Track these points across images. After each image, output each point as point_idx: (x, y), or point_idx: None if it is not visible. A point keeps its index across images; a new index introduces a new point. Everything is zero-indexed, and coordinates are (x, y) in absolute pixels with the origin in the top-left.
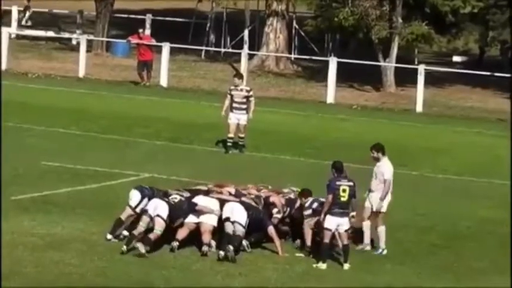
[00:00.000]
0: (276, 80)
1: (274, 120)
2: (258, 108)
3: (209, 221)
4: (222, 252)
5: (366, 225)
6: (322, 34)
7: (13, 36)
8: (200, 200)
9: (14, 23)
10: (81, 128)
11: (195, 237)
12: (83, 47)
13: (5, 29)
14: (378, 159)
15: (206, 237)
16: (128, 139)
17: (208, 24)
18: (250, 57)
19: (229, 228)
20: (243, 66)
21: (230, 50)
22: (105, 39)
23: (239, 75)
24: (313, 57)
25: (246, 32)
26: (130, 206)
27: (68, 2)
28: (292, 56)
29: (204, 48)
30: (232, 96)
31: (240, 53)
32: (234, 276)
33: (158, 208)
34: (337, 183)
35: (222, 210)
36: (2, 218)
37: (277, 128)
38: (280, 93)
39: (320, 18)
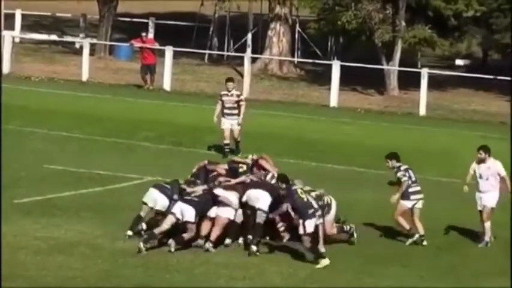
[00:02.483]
0: (279, 84)
1: (277, 123)
2: (261, 111)
3: (225, 214)
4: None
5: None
6: (325, 37)
7: (17, 40)
8: (221, 192)
9: (18, 27)
10: (84, 131)
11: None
12: (86, 51)
13: (8, 33)
14: (484, 160)
15: (215, 233)
16: (131, 142)
17: (211, 28)
18: (254, 60)
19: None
20: (246, 69)
21: (233, 53)
22: (108, 42)
23: (231, 80)
24: (316, 61)
25: (249, 36)
26: (150, 208)
27: (71, 6)
28: (295, 59)
29: (207, 51)
30: (223, 102)
31: (243, 57)
32: (238, 279)
33: (185, 214)
34: (293, 188)
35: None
36: (3, 221)
37: (280, 131)
38: (284, 97)
39: (323, 22)
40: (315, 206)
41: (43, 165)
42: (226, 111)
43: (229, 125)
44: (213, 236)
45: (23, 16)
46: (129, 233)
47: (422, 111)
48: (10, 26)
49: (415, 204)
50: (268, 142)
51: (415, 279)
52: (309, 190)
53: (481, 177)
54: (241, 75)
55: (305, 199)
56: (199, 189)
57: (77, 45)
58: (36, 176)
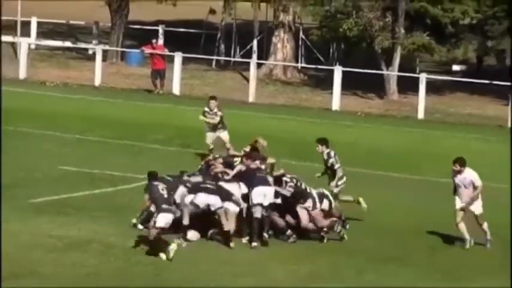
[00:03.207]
0: (283, 88)
1: (281, 126)
2: (267, 115)
3: (233, 208)
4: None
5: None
6: (327, 44)
7: (32, 46)
8: (228, 186)
9: (33, 34)
10: (97, 134)
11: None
12: (98, 57)
13: (24, 40)
14: (460, 172)
15: (231, 226)
16: (141, 145)
17: (218, 35)
18: (259, 66)
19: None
20: (252, 74)
21: (239, 59)
22: (120, 49)
23: (214, 98)
24: (319, 66)
25: (254, 42)
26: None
27: (85, 14)
28: (299, 65)
29: (214, 57)
30: (207, 122)
31: (249, 62)
32: (242, 276)
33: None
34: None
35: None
36: (19, 219)
37: (284, 133)
38: (288, 101)
39: (325, 29)
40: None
41: (58, 167)
42: (210, 126)
43: (215, 136)
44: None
45: (39, 24)
46: (134, 220)
47: (421, 114)
48: (26, 33)
49: (342, 188)
50: (273, 144)
51: (414, 277)
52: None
53: (459, 186)
54: (247, 80)
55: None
56: (198, 178)
57: (90, 52)
58: (51, 176)
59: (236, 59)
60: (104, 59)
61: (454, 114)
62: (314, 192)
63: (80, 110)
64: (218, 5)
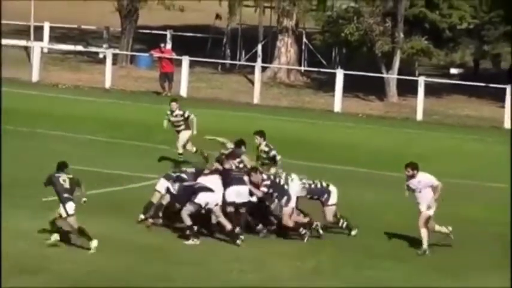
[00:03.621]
0: (287, 91)
1: (285, 127)
2: (271, 117)
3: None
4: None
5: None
6: (329, 48)
7: (45, 50)
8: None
9: (46, 38)
10: (107, 135)
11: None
12: (109, 60)
13: (37, 44)
14: (413, 176)
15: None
16: (149, 145)
17: (224, 39)
18: (263, 69)
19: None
20: (257, 77)
21: (245, 62)
22: (129, 52)
23: (174, 100)
24: (322, 70)
25: (259, 46)
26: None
27: (96, 19)
28: (302, 68)
29: (220, 61)
30: (170, 121)
31: (253, 66)
32: (248, 272)
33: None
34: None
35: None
36: (33, 218)
37: (288, 134)
38: (291, 103)
39: (327, 34)
40: None
41: (69, 166)
42: (175, 128)
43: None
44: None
45: (51, 28)
46: (142, 216)
47: (420, 116)
48: (39, 38)
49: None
50: (277, 145)
51: (412, 273)
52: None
53: (414, 191)
54: (252, 83)
55: None
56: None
57: (101, 55)
58: None
59: (241, 63)
60: (114, 63)
61: (452, 116)
62: (292, 190)
63: (91, 112)
64: (224, 10)
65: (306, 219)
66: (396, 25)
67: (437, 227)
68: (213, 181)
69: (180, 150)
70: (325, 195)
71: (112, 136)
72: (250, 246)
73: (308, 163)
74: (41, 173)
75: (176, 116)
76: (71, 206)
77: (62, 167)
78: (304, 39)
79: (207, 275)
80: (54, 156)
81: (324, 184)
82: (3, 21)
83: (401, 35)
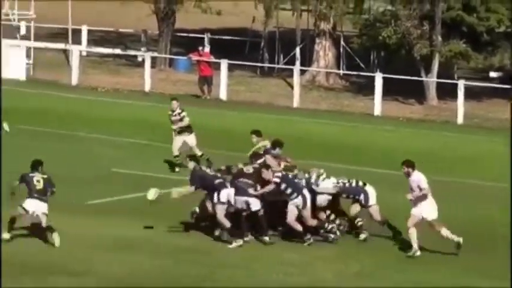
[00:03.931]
0: (326, 94)
1: (324, 130)
2: (310, 120)
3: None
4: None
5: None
6: (367, 51)
7: (83, 53)
8: None
9: (84, 42)
10: (147, 137)
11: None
12: (147, 63)
13: (75, 47)
14: (409, 174)
15: None
16: None
17: (262, 42)
18: (302, 72)
19: None
20: (296, 81)
21: (283, 66)
22: (168, 56)
23: (174, 99)
24: (360, 73)
25: (297, 50)
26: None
27: (133, 22)
28: (341, 71)
29: (259, 64)
30: (172, 121)
31: (292, 69)
32: (292, 275)
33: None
34: None
35: None
36: (75, 220)
37: (328, 138)
38: (331, 106)
39: (365, 37)
40: None
41: (110, 169)
42: (177, 129)
43: (182, 140)
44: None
45: (89, 31)
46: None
47: (460, 119)
48: (77, 41)
49: None
50: (316, 148)
51: (454, 273)
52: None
53: (411, 189)
54: (291, 86)
55: None
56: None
57: (139, 59)
58: (104, 178)
59: (280, 66)
60: (153, 66)
61: (492, 120)
62: (322, 188)
63: (130, 115)
64: (261, 14)
65: (315, 222)
66: (434, 28)
67: (444, 232)
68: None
69: (176, 153)
70: (362, 195)
71: (151, 139)
72: (293, 250)
73: (347, 166)
74: (84, 176)
75: (176, 115)
76: (31, 205)
77: (36, 165)
78: (342, 43)
79: (250, 277)
80: (94, 159)
81: (360, 183)
82: (42, 25)
83: (439, 38)
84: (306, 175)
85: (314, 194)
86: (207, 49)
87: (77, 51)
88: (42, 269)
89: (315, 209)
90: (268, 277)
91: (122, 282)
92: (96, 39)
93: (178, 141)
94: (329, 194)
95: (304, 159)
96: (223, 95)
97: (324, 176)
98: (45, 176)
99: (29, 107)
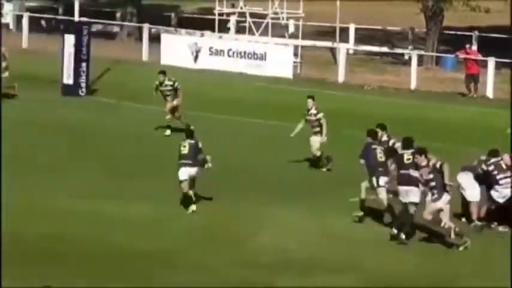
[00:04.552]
0: None
1: None
2: None
3: None
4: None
5: None
6: None
7: (350, 51)
8: None
9: (351, 40)
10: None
11: None
12: (414, 61)
13: (343, 45)
14: None
15: None
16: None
17: None
18: None
19: None
20: None
21: None
22: (434, 54)
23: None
24: None
25: None
26: None
27: (400, 20)
28: None
29: None
30: (307, 121)
31: None
32: (467, 277)
33: None
34: None
35: None
36: (339, 217)
37: None
38: None
39: None
40: None
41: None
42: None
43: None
44: None
45: (356, 30)
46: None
47: None
48: (344, 39)
49: None
50: None
51: None
52: None
53: None
54: None
55: None
56: None
57: (406, 57)
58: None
59: None
60: (419, 64)
61: None
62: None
63: (393, 113)
64: None
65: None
66: None
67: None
68: None
69: (317, 154)
70: None
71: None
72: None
73: None
74: (348, 173)
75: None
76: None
77: None
78: None
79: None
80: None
81: None
82: (310, 23)
83: None
84: None
85: None
86: (474, 47)
87: (344, 49)
88: (306, 265)
89: None
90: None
91: (391, 281)
92: (362, 37)
93: (315, 141)
94: None
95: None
96: (489, 93)
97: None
98: None
99: (295, 104)
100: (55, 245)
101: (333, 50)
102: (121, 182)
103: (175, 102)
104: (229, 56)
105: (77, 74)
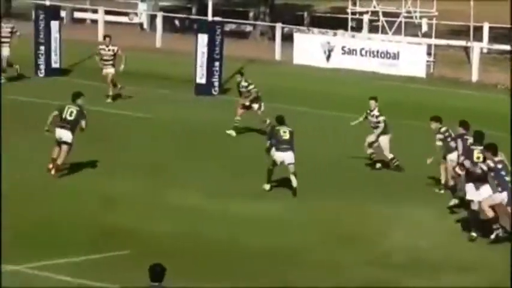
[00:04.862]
0: None
1: None
2: None
3: None
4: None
5: None
6: None
7: (484, 50)
8: None
9: (485, 39)
10: None
11: None
12: None
13: (476, 44)
14: None
15: None
16: None
17: None
18: None
19: None
20: None
21: None
22: None
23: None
24: None
25: None
26: None
27: None
28: None
29: None
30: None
31: None
32: None
33: None
34: None
35: None
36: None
37: None
38: None
39: None
40: None
41: None
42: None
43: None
44: None
45: (490, 28)
46: None
47: None
48: (479, 38)
49: None
50: None
51: None
52: None
53: None
54: None
55: None
56: None
57: None
58: None
59: None
60: None
61: None
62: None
63: None
64: None
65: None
66: None
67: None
68: None
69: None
70: None
71: None
72: None
73: None
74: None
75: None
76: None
77: None
78: None
79: None
80: None
81: None
82: (444, 22)
83: None
84: None
85: None
86: None
87: (477, 48)
88: (437, 265)
89: None
90: None
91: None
92: (497, 36)
93: (385, 143)
94: None
95: None
96: None
97: None
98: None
99: (429, 103)
100: (188, 243)
101: (466, 49)
102: (247, 181)
103: (253, 106)
104: (362, 55)
105: (210, 73)
